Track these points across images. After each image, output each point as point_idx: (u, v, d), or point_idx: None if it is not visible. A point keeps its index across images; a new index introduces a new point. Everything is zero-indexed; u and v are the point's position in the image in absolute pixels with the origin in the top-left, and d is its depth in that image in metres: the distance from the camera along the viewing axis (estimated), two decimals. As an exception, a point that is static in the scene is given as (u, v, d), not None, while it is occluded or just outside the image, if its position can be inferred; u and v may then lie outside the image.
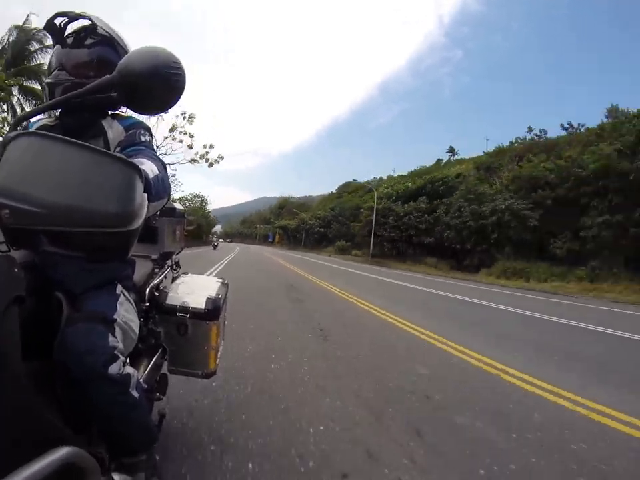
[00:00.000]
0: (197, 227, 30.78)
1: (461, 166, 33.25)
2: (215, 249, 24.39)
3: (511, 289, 13.99)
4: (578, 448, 2.01)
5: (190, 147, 20.66)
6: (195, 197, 36.09)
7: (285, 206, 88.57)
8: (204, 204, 40.29)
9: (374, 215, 28.06)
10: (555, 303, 10.17)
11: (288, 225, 67.14)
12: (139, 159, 0.85)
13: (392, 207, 28.96)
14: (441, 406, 2.45)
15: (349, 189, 56.11)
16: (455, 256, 21.58)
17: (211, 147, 21.49)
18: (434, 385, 2.84)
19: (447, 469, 1.71)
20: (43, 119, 1.08)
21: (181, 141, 20.29)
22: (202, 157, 21.43)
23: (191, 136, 20.39)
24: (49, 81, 1.04)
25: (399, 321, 5.26)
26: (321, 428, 2.00)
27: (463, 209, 21.85)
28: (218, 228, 28.42)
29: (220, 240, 41.19)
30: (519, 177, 20.18)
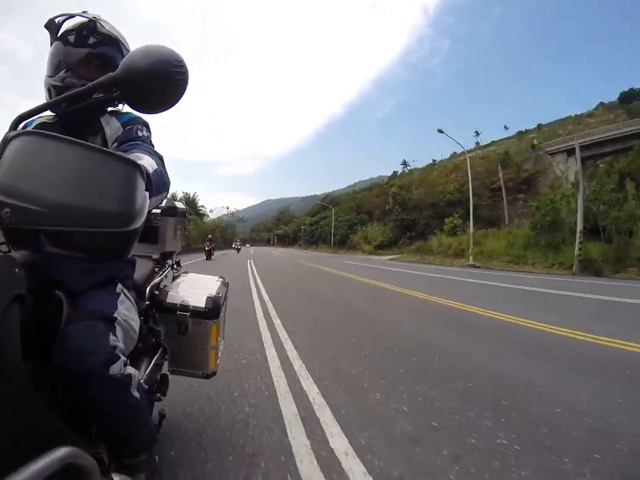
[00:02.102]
0: (230, 239, 55.79)
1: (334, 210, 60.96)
2: (238, 252, 33.15)
3: (327, 253, 43.70)
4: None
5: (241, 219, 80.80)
6: (228, 225, 67.05)
7: (280, 218, 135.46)
8: (233, 226, 71.58)
9: (302, 230, 71.59)
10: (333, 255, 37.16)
11: (279, 233, 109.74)
12: (137, 154, 0.85)
13: (306, 228, 73.62)
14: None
15: (327, 200, 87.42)
16: (319, 244, 57.59)
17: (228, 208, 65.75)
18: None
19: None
20: (41, 116, 1.07)
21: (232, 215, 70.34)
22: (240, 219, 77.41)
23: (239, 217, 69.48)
24: (56, 83, 1.03)
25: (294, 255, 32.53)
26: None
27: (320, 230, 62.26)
28: (238, 241, 41.14)
29: (246, 245, 72.80)
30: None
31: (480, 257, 19.75)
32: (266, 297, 6.55)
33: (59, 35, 1.05)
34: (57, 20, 1.05)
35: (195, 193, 43.47)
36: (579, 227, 14.90)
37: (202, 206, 44.47)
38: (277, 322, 4.45)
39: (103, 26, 1.06)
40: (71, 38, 1.04)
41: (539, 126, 36.43)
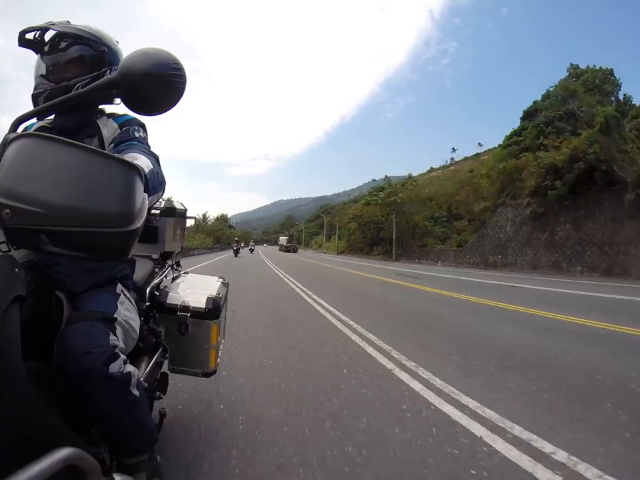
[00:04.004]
0: (245, 240, 59.55)
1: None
2: (251, 252, 38.34)
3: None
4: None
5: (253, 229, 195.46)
6: (247, 231, 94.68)
7: (284, 223, 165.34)
8: (250, 232, 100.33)
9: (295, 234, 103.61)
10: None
11: (285, 235, 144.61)
12: (133, 154, 0.85)
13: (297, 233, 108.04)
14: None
15: (324, 208, 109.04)
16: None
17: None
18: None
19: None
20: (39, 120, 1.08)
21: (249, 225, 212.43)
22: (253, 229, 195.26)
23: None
24: (34, 92, 1.04)
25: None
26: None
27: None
28: (252, 242, 48.68)
29: (264, 244, 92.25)
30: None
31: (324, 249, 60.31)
32: (265, 257, 28.56)
33: (37, 50, 1.07)
34: (30, 37, 1.05)
35: (227, 214, 76.25)
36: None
37: (232, 222, 75.83)
38: (266, 257, 28.33)
39: (71, 29, 1.06)
40: (46, 48, 1.06)
41: (500, 146, 37.18)
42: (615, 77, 23.59)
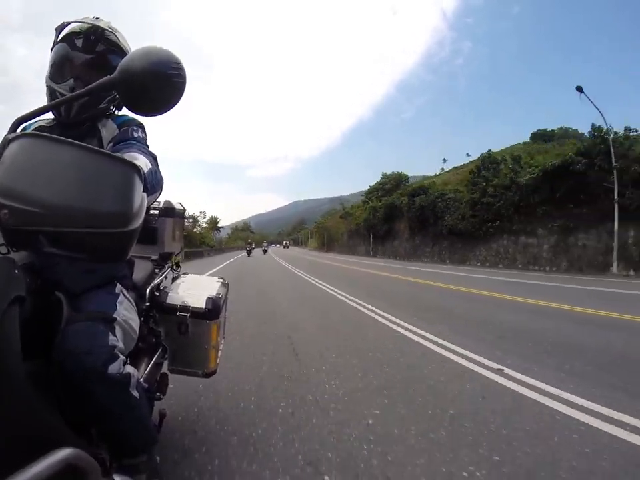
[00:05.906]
0: (260, 242, 73.80)
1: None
2: (264, 253, 42.52)
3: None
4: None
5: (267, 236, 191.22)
6: (263, 237, 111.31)
7: (296, 227, 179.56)
8: (268, 235, 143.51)
9: (300, 237, 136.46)
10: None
11: (294, 238, 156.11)
12: (132, 154, 0.85)
13: (302, 236, 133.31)
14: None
15: (335, 211, 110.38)
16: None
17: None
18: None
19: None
20: (39, 120, 1.07)
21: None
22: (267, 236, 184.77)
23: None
24: (63, 91, 1.01)
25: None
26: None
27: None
28: (265, 243, 57.48)
29: (276, 245, 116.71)
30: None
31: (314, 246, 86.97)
32: (273, 253, 44.64)
33: (63, 37, 1.05)
34: (70, 24, 1.05)
35: (247, 219, 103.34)
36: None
37: (250, 223, 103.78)
38: (273, 254, 41.87)
39: (111, 34, 1.06)
40: (78, 42, 1.04)
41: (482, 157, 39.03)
42: (403, 175, 50.49)
